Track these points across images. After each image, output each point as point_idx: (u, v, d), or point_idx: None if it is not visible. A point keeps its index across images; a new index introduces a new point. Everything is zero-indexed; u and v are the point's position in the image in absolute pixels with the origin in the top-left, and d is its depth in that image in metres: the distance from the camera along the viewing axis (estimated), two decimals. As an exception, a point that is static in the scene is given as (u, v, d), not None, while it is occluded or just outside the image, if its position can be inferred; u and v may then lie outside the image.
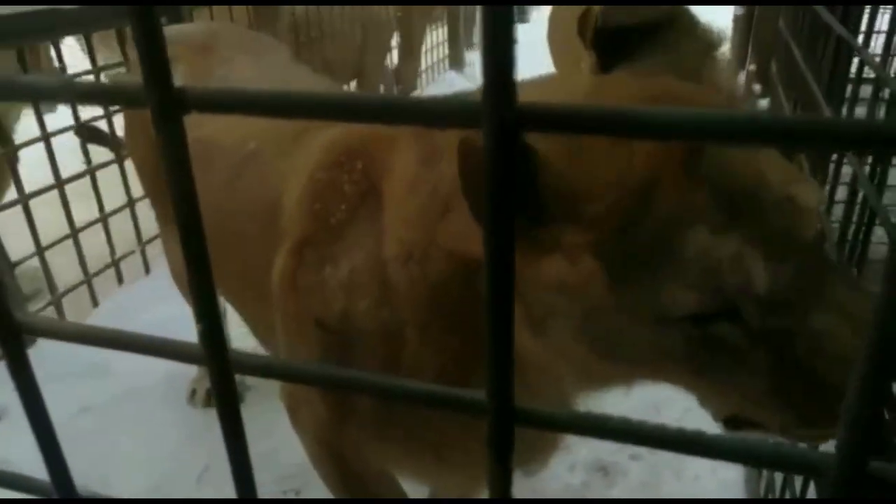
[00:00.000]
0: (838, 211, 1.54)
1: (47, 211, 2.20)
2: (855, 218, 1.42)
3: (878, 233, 1.20)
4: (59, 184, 2.08)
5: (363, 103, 0.23)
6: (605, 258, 0.59)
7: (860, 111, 1.49)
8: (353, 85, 3.92)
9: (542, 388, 0.79)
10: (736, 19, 3.99)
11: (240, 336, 1.57)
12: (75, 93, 0.28)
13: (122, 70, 2.26)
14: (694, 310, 0.58)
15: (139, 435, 1.69)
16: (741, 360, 0.60)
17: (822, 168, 1.50)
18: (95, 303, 2.20)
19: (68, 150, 2.23)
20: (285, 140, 1.09)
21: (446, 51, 5.20)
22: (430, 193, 0.77)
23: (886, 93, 1.78)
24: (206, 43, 1.45)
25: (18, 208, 1.96)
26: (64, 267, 2.25)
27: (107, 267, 2.29)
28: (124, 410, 1.77)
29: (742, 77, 3.37)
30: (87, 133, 2.12)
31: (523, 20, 6.86)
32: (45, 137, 2.01)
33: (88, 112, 2.25)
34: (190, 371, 1.87)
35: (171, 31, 1.64)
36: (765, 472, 1.33)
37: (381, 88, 4.18)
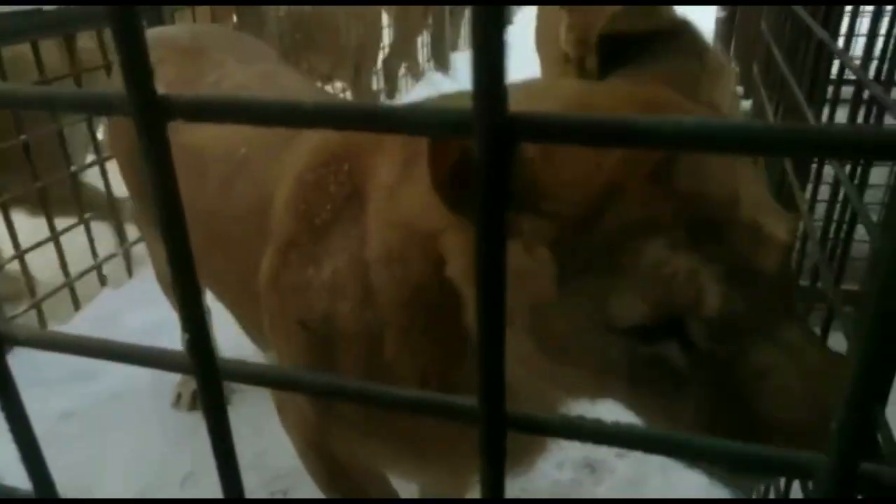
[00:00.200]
0: (821, 210, 1.56)
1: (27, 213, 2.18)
2: (836, 216, 1.44)
3: (861, 231, 1.21)
4: (40, 186, 2.06)
5: (352, 112, 0.22)
6: (559, 253, 0.58)
7: (841, 113, 1.50)
8: (337, 86, 3.91)
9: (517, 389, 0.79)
10: (718, 21, 4.02)
11: (233, 338, 1.57)
12: (55, 103, 0.28)
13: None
14: (640, 321, 0.57)
15: (123, 440, 1.68)
16: (681, 386, 0.58)
17: (804, 168, 1.51)
18: (77, 306, 2.17)
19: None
20: (276, 144, 1.09)
21: (431, 52, 5.20)
22: (410, 195, 0.77)
23: (867, 94, 1.81)
24: (195, 46, 1.43)
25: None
26: (45, 270, 2.22)
27: (89, 270, 2.26)
28: (108, 415, 1.75)
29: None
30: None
31: (508, 21, 6.86)
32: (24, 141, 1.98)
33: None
34: (175, 375, 1.85)
35: (157, 32, 1.62)
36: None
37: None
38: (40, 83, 1.97)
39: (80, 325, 2.07)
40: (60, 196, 2.14)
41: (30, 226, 2.20)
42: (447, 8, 5.12)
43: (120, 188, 2.29)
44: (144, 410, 1.79)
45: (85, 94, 0.26)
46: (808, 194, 1.43)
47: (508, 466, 0.26)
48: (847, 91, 1.49)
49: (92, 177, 2.35)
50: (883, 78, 1.54)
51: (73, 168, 2.17)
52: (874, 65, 1.51)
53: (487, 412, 0.24)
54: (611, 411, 0.52)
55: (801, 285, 1.23)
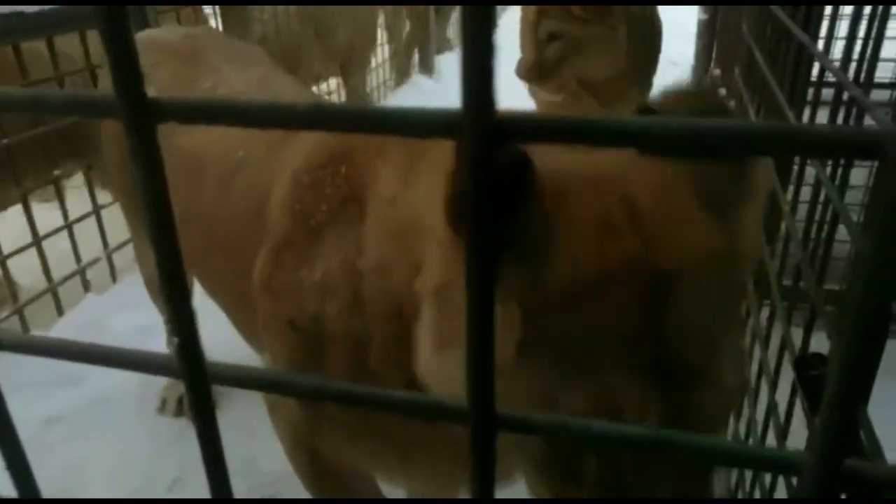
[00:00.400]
0: (803, 210, 1.58)
1: (10, 217, 2.15)
2: (818, 217, 1.46)
3: (842, 231, 1.23)
4: (22, 191, 2.03)
5: (343, 114, 0.22)
6: (528, 320, 0.56)
7: (822, 114, 1.52)
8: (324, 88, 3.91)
9: None
10: (700, 24, 4.06)
11: (223, 344, 1.55)
12: (44, 106, 0.27)
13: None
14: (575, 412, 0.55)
15: (109, 446, 1.66)
16: (582, 483, 0.57)
17: (786, 169, 1.53)
18: (60, 311, 2.15)
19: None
20: (272, 144, 1.10)
21: (416, 55, 5.20)
22: (408, 204, 0.77)
23: (847, 96, 1.83)
24: (190, 49, 1.43)
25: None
26: (27, 275, 2.20)
27: (72, 275, 2.24)
28: (93, 421, 1.73)
29: (706, 81, 3.43)
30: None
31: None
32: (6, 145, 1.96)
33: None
34: (160, 380, 1.84)
35: (148, 35, 1.62)
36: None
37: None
38: (25, 86, 1.95)
39: (63, 330, 2.05)
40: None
41: (11, 230, 2.18)
42: (431, 9, 5.13)
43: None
44: (130, 416, 1.77)
45: (74, 97, 0.26)
46: (790, 195, 1.45)
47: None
48: (827, 93, 1.51)
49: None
50: (862, 80, 1.56)
51: (56, 172, 2.15)
52: (853, 67, 1.53)
53: (477, 413, 0.24)
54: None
55: (784, 285, 1.24)
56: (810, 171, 1.45)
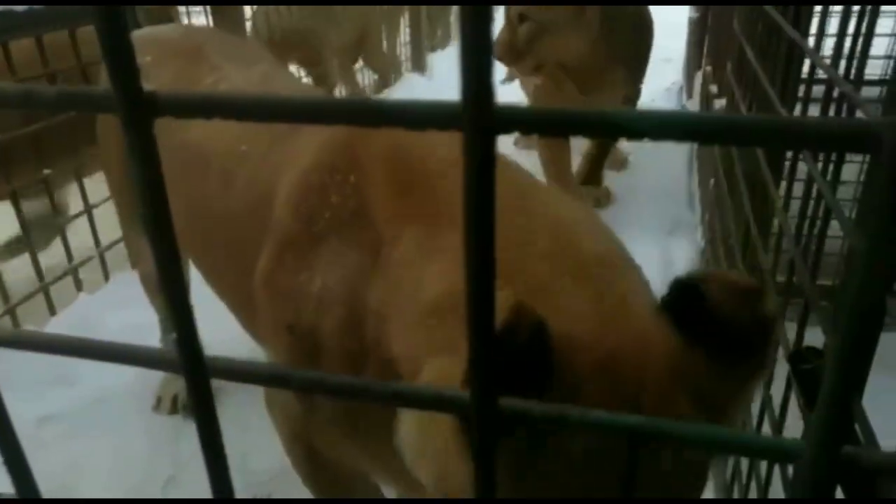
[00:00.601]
0: (795, 207, 1.59)
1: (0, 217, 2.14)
2: (810, 213, 1.46)
3: (834, 226, 1.24)
4: (12, 189, 2.02)
5: (341, 107, 0.22)
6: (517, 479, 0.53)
7: (813, 110, 1.53)
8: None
9: None
10: (691, 21, 4.07)
11: (223, 342, 1.55)
12: (39, 101, 0.27)
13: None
14: None
15: (103, 445, 1.65)
16: None
17: (777, 165, 1.54)
18: (53, 311, 2.14)
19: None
20: (277, 137, 1.09)
21: (408, 53, 5.20)
22: (431, 284, 0.75)
23: (837, 92, 1.84)
24: (191, 47, 1.43)
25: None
26: (19, 275, 2.19)
27: (65, 274, 2.23)
28: (87, 420, 1.73)
29: (698, 78, 3.44)
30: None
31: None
32: (-3, 143, 1.95)
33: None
34: (155, 378, 1.83)
35: (148, 32, 1.61)
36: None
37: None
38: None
39: (56, 329, 2.04)
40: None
41: (1, 229, 2.17)
42: (423, 9, 5.13)
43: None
44: (124, 415, 1.77)
45: (70, 92, 0.26)
46: (782, 191, 1.46)
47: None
48: (818, 90, 1.52)
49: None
50: (852, 77, 1.57)
51: (45, 171, 2.13)
52: (843, 64, 1.54)
53: (479, 405, 0.24)
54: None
55: (777, 281, 1.25)
56: (802, 167, 1.45)
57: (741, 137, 0.19)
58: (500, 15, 2.60)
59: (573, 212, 0.76)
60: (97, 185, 2.26)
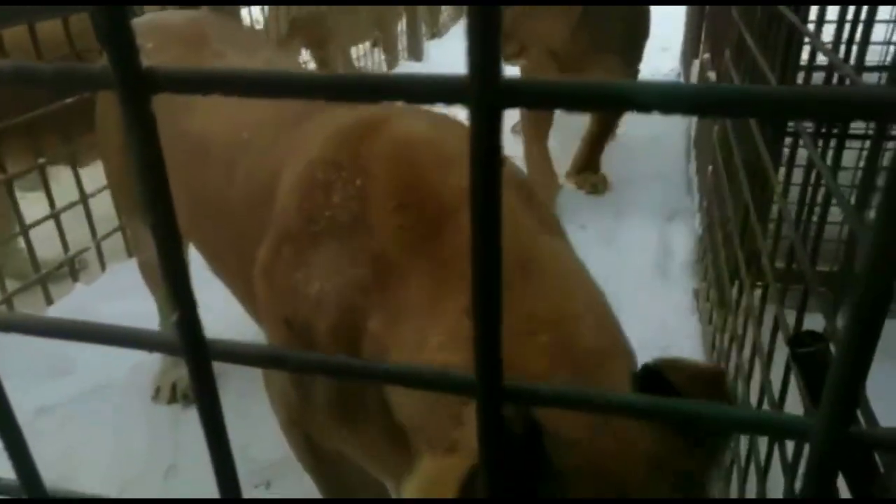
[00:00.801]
0: (794, 193, 1.59)
1: (-4, 208, 2.13)
2: (808, 199, 1.46)
3: (834, 213, 1.24)
4: (7, 178, 2.01)
5: (345, 81, 0.22)
6: None
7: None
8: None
9: None
10: (689, 8, 4.05)
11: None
12: (38, 79, 0.27)
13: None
14: None
15: (103, 435, 1.65)
16: None
17: (777, 151, 1.54)
18: (49, 301, 2.13)
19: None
20: (281, 125, 1.09)
21: (405, 43, 5.18)
22: (417, 344, 0.77)
23: (836, 79, 1.83)
24: (195, 34, 1.42)
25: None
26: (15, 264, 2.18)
27: (61, 264, 2.22)
28: (86, 410, 1.73)
29: (696, 65, 3.43)
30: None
31: None
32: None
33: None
34: (152, 368, 1.83)
35: (151, 18, 1.60)
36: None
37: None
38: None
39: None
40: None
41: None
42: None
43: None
44: (123, 404, 1.77)
45: (69, 69, 0.25)
46: (781, 177, 1.45)
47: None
48: (818, 77, 1.51)
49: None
50: (853, 63, 1.56)
51: (41, 161, 2.12)
52: (843, 49, 1.53)
53: (484, 384, 0.24)
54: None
55: (777, 267, 1.25)
56: (802, 154, 1.45)
57: (751, 108, 0.19)
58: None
59: (577, 299, 0.77)
60: (90, 175, 2.25)
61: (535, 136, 2.80)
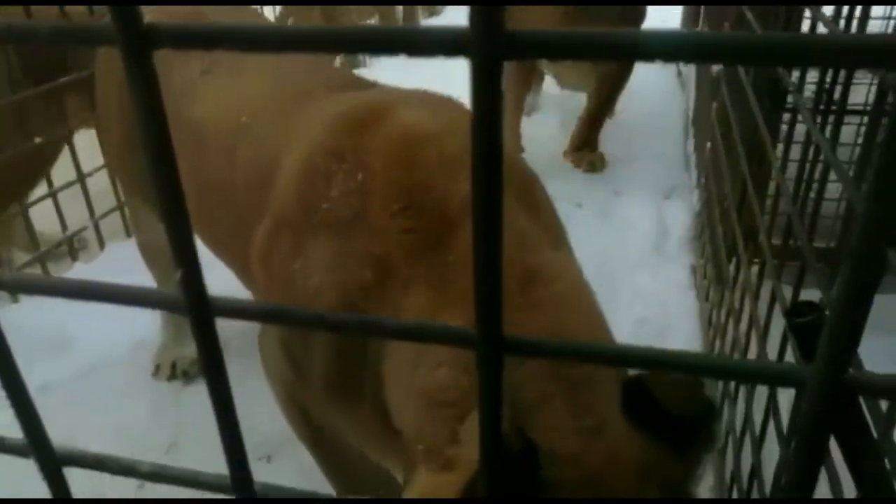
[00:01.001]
0: (792, 170, 1.59)
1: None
2: (806, 175, 1.46)
3: (830, 189, 1.24)
4: (4, 158, 2.00)
5: (348, 34, 0.22)
6: None
7: (813, 73, 1.52)
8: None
9: None
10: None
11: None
12: (38, 36, 0.27)
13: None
14: None
15: (104, 412, 1.66)
16: None
17: (775, 126, 1.53)
18: (49, 281, 2.13)
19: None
20: (280, 110, 1.08)
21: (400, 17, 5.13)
22: (416, 359, 0.78)
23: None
24: (195, 11, 1.41)
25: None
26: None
27: (59, 244, 2.22)
28: (87, 387, 1.73)
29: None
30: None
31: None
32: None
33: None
34: (152, 345, 1.84)
35: (156, 6, 1.60)
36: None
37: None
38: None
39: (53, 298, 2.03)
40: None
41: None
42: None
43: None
44: (122, 382, 1.77)
45: (69, 27, 0.25)
46: (779, 153, 1.45)
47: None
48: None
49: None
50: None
51: (37, 140, 2.11)
52: (842, 24, 1.53)
53: (484, 337, 0.25)
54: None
55: (774, 244, 1.25)
56: (800, 129, 1.45)
57: (755, 55, 0.19)
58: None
59: (574, 317, 0.79)
60: (87, 153, 2.24)
61: (513, 102, 2.88)
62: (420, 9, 5.22)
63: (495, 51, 0.21)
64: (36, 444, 0.34)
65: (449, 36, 0.21)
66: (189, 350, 1.81)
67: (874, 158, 0.19)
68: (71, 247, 2.27)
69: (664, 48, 0.20)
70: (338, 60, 4.32)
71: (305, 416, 1.06)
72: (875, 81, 1.73)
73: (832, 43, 0.18)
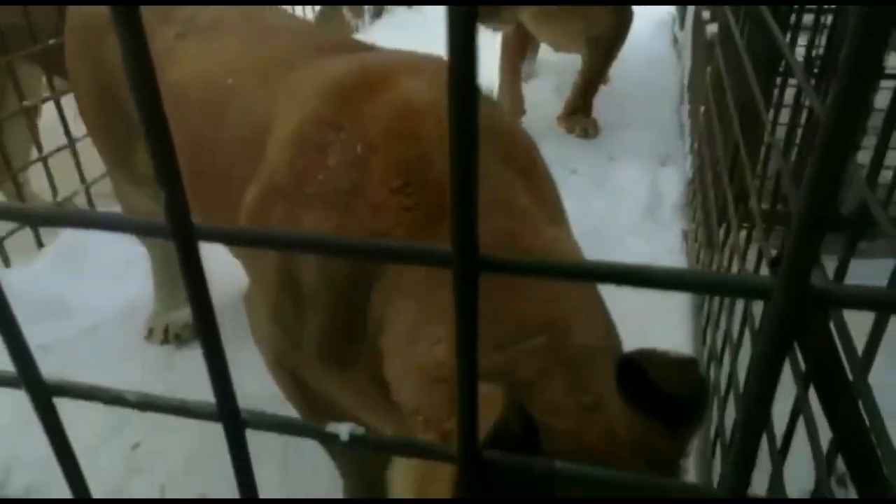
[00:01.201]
0: (781, 132, 1.59)
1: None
2: (798, 140, 1.47)
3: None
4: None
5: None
6: None
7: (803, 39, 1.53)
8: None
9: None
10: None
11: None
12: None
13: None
14: None
15: (97, 374, 1.66)
16: None
17: (768, 91, 1.53)
18: (40, 244, 2.13)
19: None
20: (270, 73, 1.06)
21: None
22: (414, 333, 0.79)
23: (829, 19, 1.82)
24: None
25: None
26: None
27: (51, 208, 2.21)
28: (81, 350, 1.75)
29: (691, 10, 3.38)
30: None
31: None
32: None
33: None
34: (145, 310, 1.85)
35: None
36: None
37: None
38: None
39: (45, 261, 2.03)
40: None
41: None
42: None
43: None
44: (116, 345, 1.79)
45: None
46: (770, 116, 1.45)
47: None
48: (808, 19, 1.51)
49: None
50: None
51: (25, 102, 2.09)
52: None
53: (461, 255, 0.25)
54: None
55: (763, 209, 1.26)
56: (789, 94, 1.45)
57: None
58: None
59: (571, 297, 0.79)
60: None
61: (509, 68, 2.94)
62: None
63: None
64: (26, 375, 0.35)
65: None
66: (181, 314, 1.82)
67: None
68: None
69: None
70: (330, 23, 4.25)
71: (294, 379, 1.07)
72: None
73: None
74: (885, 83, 1.73)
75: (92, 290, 1.94)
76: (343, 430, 0.31)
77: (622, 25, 2.76)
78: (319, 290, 0.88)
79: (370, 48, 1.19)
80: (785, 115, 1.57)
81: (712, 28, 2.02)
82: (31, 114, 2.21)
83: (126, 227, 0.29)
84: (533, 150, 1.00)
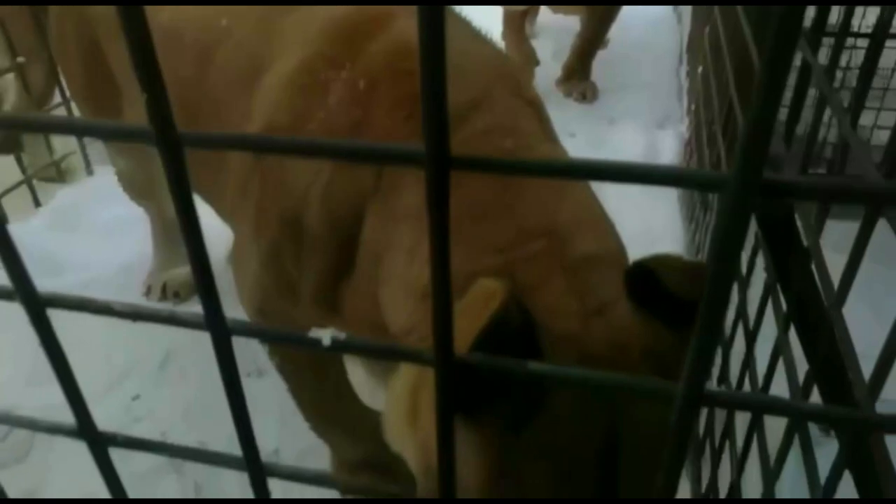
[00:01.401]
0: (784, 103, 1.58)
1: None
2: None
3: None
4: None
5: None
6: (499, 454, 0.60)
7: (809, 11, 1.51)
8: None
9: None
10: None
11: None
12: None
13: None
14: None
15: (96, 330, 1.69)
16: None
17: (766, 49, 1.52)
18: (37, 203, 2.14)
19: None
20: (269, 14, 1.05)
21: None
22: (410, 256, 0.79)
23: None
24: None
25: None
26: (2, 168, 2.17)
27: (47, 166, 2.21)
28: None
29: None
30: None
31: None
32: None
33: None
34: (142, 268, 1.86)
35: None
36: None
37: None
38: None
39: (41, 220, 2.04)
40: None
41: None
42: None
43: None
44: (114, 301, 1.80)
45: None
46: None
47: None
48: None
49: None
50: None
51: (19, 59, 2.08)
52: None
53: (432, 152, 0.26)
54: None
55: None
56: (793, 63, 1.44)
57: None
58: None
59: (572, 205, 0.78)
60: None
61: (512, 29, 2.98)
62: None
63: None
64: (20, 286, 0.36)
65: None
66: (180, 271, 1.83)
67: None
68: (58, 170, 2.26)
69: None
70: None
71: (274, 324, 1.08)
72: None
73: None
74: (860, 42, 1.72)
75: (86, 249, 1.95)
76: (325, 335, 0.33)
77: None
78: (322, 227, 0.89)
79: None
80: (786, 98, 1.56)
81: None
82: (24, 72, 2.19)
83: (109, 132, 0.30)
84: (535, 96, 1.01)
